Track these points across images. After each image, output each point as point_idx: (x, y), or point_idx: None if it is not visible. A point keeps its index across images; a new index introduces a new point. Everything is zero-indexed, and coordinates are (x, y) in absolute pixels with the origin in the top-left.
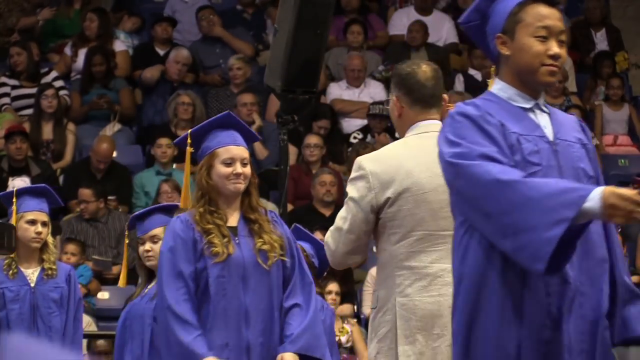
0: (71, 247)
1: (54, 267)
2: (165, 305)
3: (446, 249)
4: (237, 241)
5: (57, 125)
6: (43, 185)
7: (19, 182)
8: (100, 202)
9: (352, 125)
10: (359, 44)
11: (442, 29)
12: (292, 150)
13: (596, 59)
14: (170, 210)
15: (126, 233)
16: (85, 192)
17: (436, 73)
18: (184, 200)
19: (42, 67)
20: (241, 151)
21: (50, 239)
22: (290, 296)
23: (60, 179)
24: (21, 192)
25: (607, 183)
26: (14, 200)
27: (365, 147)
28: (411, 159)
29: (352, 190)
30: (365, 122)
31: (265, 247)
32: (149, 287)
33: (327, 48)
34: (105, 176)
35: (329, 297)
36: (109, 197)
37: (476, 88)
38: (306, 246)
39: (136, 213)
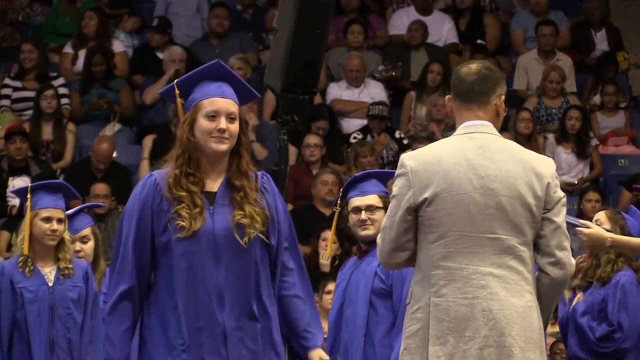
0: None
1: (70, 266)
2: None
3: (483, 251)
4: (211, 210)
5: (57, 125)
6: (59, 180)
7: (19, 182)
8: (112, 200)
9: (351, 125)
10: (359, 44)
11: (442, 29)
12: (292, 150)
13: (599, 61)
14: (93, 210)
15: None
16: (101, 187)
17: (482, 70)
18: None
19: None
20: (228, 104)
21: (67, 236)
22: (287, 286)
23: (60, 179)
24: (36, 188)
25: (606, 183)
26: (29, 196)
27: (364, 146)
28: (452, 158)
29: (394, 187)
30: (365, 122)
31: (244, 220)
32: None
33: (327, 48)
34: (105, 176)
35: (329, 297)
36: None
37: None
38: None
39: (67, 212)
